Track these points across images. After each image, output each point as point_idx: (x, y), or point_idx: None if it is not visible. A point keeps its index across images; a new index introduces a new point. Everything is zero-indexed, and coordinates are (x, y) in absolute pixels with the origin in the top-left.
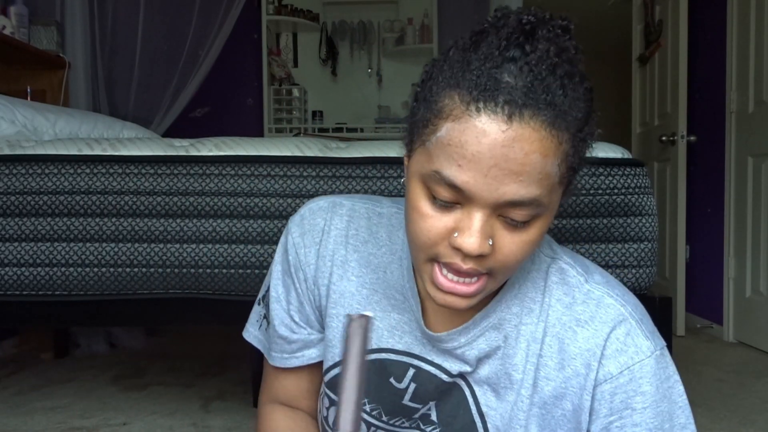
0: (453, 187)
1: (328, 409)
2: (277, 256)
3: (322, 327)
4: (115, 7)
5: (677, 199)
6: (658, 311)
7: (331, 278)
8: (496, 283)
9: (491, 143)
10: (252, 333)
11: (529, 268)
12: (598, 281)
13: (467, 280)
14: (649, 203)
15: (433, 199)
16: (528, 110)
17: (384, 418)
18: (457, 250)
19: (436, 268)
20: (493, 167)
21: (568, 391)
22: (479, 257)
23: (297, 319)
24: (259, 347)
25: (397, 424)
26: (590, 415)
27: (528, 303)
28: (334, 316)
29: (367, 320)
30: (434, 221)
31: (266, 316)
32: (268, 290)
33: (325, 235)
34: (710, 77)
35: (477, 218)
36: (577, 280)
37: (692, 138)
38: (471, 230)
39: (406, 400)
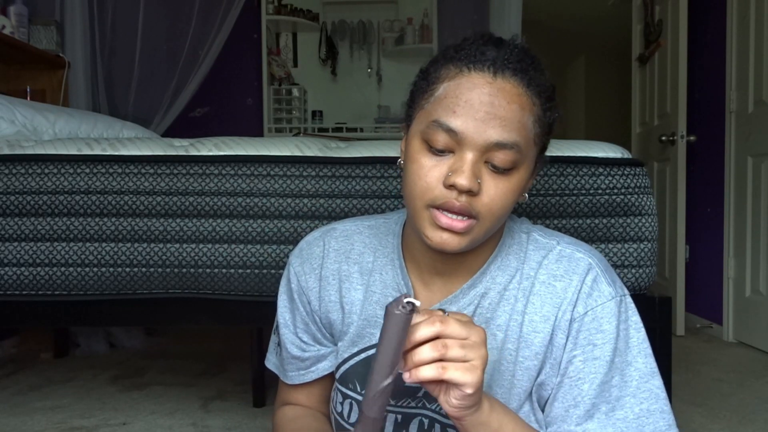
0: (449, 131)
1: (342, 404)
2: (282, 287)
3: (333, 342)
4: (115, 7)
5: (677, 199)
6: (658, 311)
7: (341, 292)
8: (481, 230)
9: (480, 92)
10: (271, 360)
11: (509, 243)
12: (568, 242)
13: (460, 218)
14: (648, 203)
15: (431, 149)
16: (508, 71)
17: (391, 402)
18: (451, 188)
19: (435, 211)
20: (482, 112)
21: (556, 338)
22: (470, 195)
23: (305, 339)
24: (276, 372)
25: (404, 405)
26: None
27: (510, 271)
28: (350, 324)
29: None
30: (431, 169)
31: (279, 343)
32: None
33: (325, 259)
34: (710, 77)
35: (468, 158)
36: (551, 244)
37: (692, 138)
38: (463, 168)
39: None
